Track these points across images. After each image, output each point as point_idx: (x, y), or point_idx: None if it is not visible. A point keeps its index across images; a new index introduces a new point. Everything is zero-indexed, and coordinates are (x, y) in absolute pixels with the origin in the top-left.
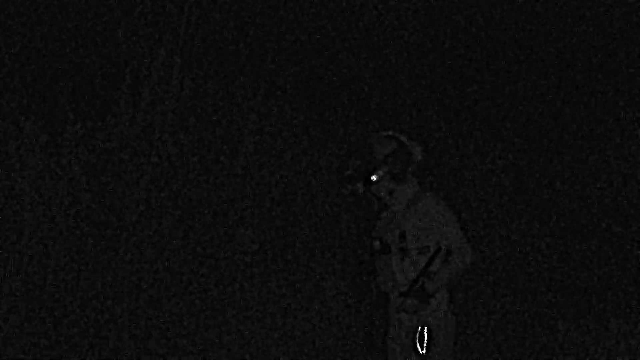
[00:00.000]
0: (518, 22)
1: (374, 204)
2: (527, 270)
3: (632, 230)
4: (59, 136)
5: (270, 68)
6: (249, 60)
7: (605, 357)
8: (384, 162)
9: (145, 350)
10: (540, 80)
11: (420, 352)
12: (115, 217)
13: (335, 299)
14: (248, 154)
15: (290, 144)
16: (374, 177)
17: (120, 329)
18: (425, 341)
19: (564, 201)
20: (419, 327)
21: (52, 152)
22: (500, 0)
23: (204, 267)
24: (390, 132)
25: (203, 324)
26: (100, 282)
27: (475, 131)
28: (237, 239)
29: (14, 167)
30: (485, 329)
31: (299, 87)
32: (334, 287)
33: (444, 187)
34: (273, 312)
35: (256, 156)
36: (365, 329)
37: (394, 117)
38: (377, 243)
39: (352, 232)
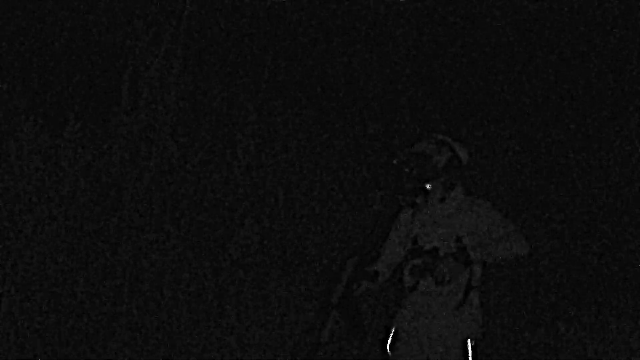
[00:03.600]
0: (518, 22)
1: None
2: (527, 270)
3: (632, 230)
4: (59, 136)
5: (271, 68)
6: (249, 60)
7: (605, 357)
8: (442, 172)
9: (146, 351)
10: (540, 81)
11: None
12: (115, 217)
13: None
14: (248, 154)
15: (291, 143)
16: (428, 187)
17: (120, 329)
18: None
19: (564, 201)
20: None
21: (52, 152)
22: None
23: (204, 267)
24: (440, 137)
25: (203, 324)
26: (100, 282)
27: (475, 131)
28: (237, 239)
29: (14, 167)
30: (484, 329)
31: (300, 86)
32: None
33: None
34: (273, 312)
35: (256, 156)
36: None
37: (395, 117)
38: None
39: (353, 233)
